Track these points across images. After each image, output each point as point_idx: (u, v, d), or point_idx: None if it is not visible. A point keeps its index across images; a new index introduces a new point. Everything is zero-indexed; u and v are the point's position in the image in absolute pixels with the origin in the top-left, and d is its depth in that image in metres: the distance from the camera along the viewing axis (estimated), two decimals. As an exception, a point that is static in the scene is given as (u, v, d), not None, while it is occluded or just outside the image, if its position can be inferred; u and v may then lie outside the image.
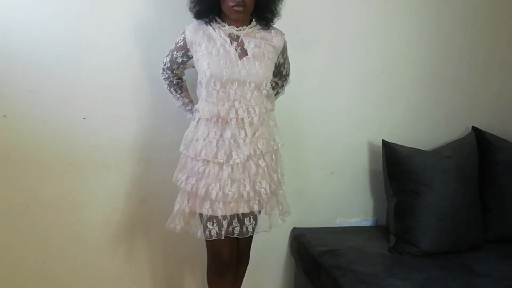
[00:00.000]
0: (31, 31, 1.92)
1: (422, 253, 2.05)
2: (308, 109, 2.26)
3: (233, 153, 1.68)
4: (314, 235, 2.24)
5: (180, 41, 1.77)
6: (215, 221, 1.69)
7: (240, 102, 1.69)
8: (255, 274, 2.19)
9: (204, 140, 1.70)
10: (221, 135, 1.69)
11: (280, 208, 1.85)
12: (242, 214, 1.74)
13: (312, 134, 2.30)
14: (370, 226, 2.43)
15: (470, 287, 1.80)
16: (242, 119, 1.69)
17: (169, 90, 1.93)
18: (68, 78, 1.98)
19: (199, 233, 1.74)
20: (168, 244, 2.21)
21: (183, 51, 1.77)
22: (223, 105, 1.68)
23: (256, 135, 1.72)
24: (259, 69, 1.69)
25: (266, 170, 1.74)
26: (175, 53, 1.79)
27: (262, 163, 1.74)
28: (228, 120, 1.68)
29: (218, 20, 1.74)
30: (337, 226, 2.41)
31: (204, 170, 1.69)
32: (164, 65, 1.85)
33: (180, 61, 1.80)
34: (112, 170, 2.09)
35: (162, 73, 1.88)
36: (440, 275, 1.88)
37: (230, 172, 1.69)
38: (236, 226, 1.73)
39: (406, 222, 2.11)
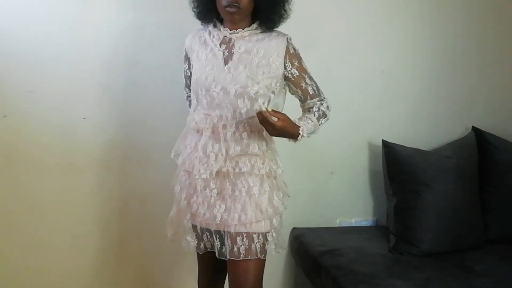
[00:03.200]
0: (31, 31, 1.92)
1: (422, 253, 2.05)
2: (308, 109, 2.26)
3: (202, 167, 1.53)
4: (314, 235, 2.24)
5: (184, 52, 1.68)
6: (194, 234, 1.62)
7: (222, 111, 1.52)
8: (255, 274, 2.19)
9: (191, 149, 1.60)
10: (196, 146, 1.57)
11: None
12: (222, 232, 1.57)
13: (312, 134, 2.30)
14: (370, 226, 2.43)
15: (470, 287, 1.80)
16: (219, 131, 1.53)
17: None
18: (68, 78, 1.98)
19: (184, 243, 1.66)
20: (168, 244, 2.21)
21: (187, 61, 1.68)
22: (214, 111, 1.53)
23: (231, 152, 1.52)
24: (243, 76, 1.50)
25: (245, 194, 1.53)
26: (184, 66, 1.70)
27: (240, 184, 1.53)
28: (204, 130, 1.54)
29: (217, 23, 1.61)
30: (337, 226, 2.41)
31: (185, 180, 1.61)
32: (184, 83, 1.77)
33: (189, 74, 1.69)
34: (112, 170, 2.10)
35: (184, 92, 1.80)
36: (440, 275, 1.88)
37: (202, 188, 1.55)
38: (207, 242, 1.62)
39: (406, 222, 2.11)
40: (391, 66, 2.35)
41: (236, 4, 1.47)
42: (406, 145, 2.22)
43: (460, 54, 2.43)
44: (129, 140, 2.10)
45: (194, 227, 1.63)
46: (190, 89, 1.70)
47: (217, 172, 1.54)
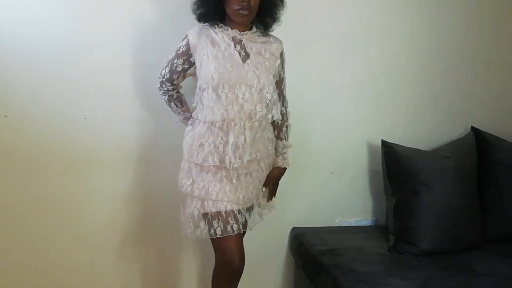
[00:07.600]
0: (32, 32, 1.92)
1: (421, 252, 2.06)
2: (308, 109, 2.27)
3: (232, 158, 1.70)
4: (314, 235, 2.24)
5: (182, 47, 1.75)
6: (220, 219, 1.70)
7: (248, 105, 1.69)
8: (255, 273, 2.19)
9: (210, 145, 1.71)
10: (227, 140, 1.69)
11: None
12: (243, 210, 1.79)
13: (311, 134, 2.31)
14: (370, 226, 2.44)
15: (469, 287, 1.80)
16: (244, 124, 1.70)
17: (169, 105, 1.91)
18: (69, 78, 1.99)
19: (204, 233, 1.74)
20: (168, 245, 2.22)
21: (185, 57, 1.75)
22: (232, 108, 1.68)
23: (255, 139, 1.74)
24: (262, 73, 1.70)
25: (263, 173, 1.84)
26: (175, 61, 1.77)
27: (262, 165, 1.81)
28: (233, 124, 1.69)
29: (221, 24, 1.74)
30: (336, 225, 2.42)
31: (212, 175, 1.72)
32: (163, 77, 1.81)
33: (180, 69, 1.77)
34: (113, 171, 2.10)
35: (160, 87, 1.85)
36: (439, 275, 1.89)
37: (235, 176, 1.74)
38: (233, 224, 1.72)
39: (406, 222, 2.12)
40: (391, 66, 2.35)
41: (247, 7, 1.64)
42: (406, 145, 2.22)
43: (459, 54, 2.44)
44: (130, 140, 2.10)
45: (217, 213, 1.72)
46: (173, 84, 1.83)
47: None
